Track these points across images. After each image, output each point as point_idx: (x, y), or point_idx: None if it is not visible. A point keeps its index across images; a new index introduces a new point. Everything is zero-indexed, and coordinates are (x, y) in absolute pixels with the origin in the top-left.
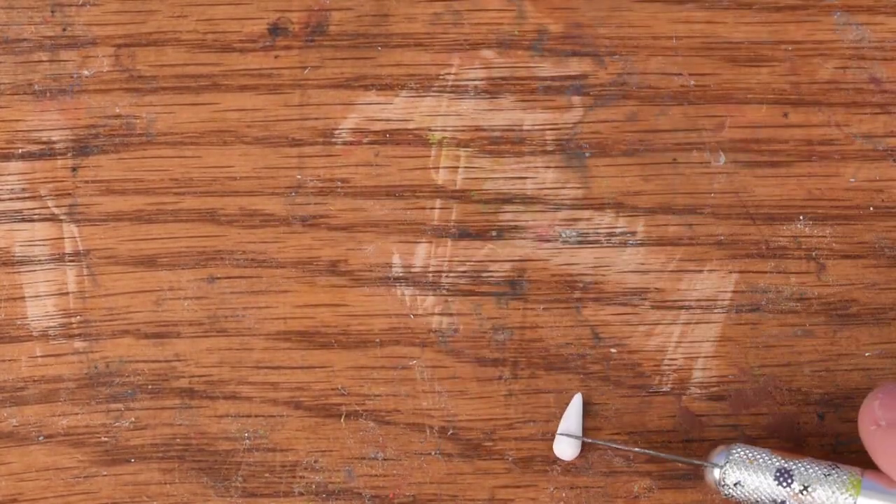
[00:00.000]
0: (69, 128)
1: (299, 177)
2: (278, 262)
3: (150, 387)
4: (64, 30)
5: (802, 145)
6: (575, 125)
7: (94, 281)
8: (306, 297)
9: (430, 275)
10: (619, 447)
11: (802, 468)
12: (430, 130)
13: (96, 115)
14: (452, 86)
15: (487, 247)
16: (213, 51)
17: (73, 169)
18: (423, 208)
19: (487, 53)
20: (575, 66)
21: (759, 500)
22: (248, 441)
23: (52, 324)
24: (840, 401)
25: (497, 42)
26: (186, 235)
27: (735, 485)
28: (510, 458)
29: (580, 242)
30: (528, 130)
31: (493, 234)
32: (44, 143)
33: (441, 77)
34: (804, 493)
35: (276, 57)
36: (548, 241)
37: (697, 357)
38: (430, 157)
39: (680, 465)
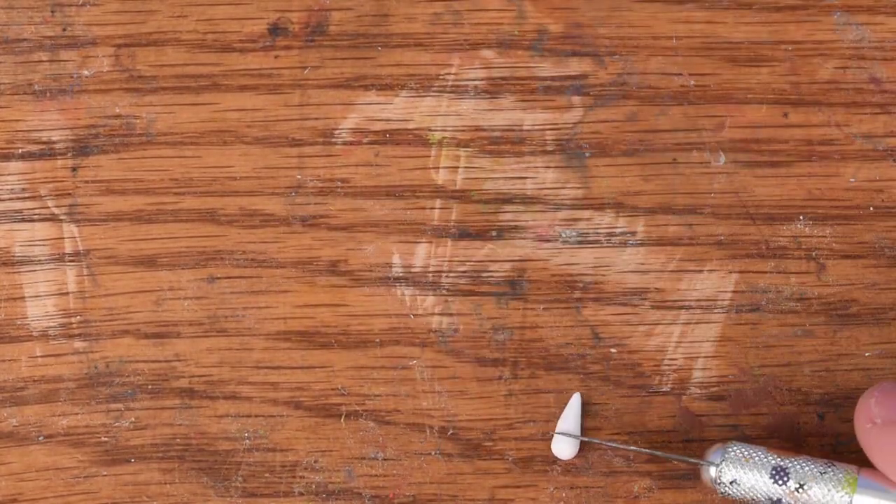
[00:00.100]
0: (69, 128)
1: (299, 177)
2: (278, 262)
3: (150, 387)
4: (64, 30)
5: (802, 145)
6: (575, 125)
7: (94, 281)
8: (306, 297)
9: (430, 275)
10: (615, 445)
11: (798, 466)
12: (430, 130)
13: (96, 115)
14: (452, 86)
15: (487, 247)
16: (213, 51)
17: (73, 169)
18: (423, 208)
19: (487, 53)
20: (575, 66)
21: (755, 498)
22: (248, 441)
23: (52, 324)
24: (840, 401)
25: (497, 42)
26: (186, 235)
27: (731, 483)
28: (510, 458)
29: (580, 242)
30: (528, 130)
31: (493, 234)
32: (44, 143)
33: (441, 77)
34: (800, 490)
35: (276, 57)
36: (548, 241)
37: (697, 357)
38: (430, 157)
39: (680, 465)
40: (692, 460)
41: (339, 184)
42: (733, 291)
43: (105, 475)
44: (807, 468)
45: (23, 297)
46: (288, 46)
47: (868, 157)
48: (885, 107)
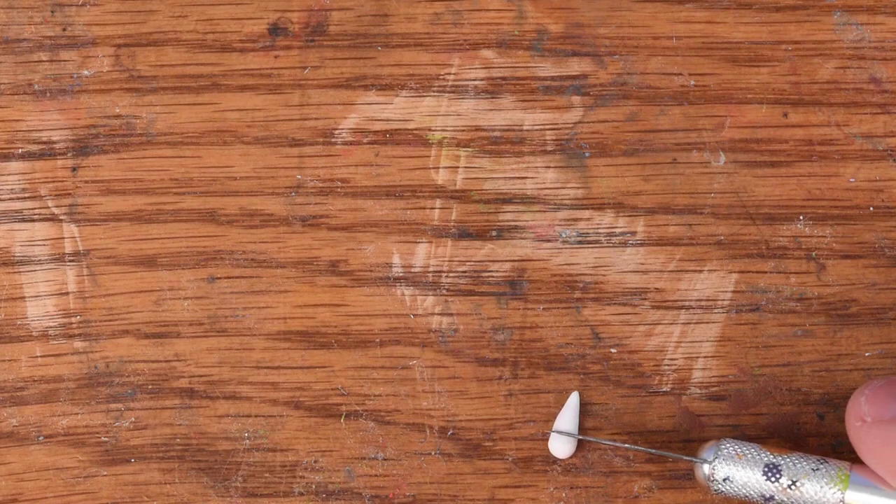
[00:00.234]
0: (69, 128)
1: (299, 177)
2: (278, 262)
3: (150, 387)
4: (64, 30)
5: (802, 145)
6: (575, 125)
7: (94, 281)
8: (306, 297)
9: (430, 275)
10: (608, 443)
11: (791, 463)
12: (430, 130)
13: (96, 115)
14: (452, 86)
15: (487, 247)
16: (213, 51)
17: (73, 169)
18: (423, 208)
19: (487, 53)
20: (575, 66)
21: (748, 495)
22: (248, 441)
23: (52, 324)
24: (840, 401)
25: (497, 42)
26: (186, 235)
27: (724, 480)
28: (510, 458)
29: (580, 242)
30: (528, 130)
31: (493, 234)
32: (44, 143)
33: (441, 77)
34: (792, 487)
35: (276, 57)
36: (548, 241)
37: (697, 357)
38: (430, 157)
39: (680, 464)
40: (685, 458)
41: (339, 184)
42: (733, 291)
43: (105, 475)
44: (799, 465)
45: (23, 297)
46: (288, 46)
47: (868, 157)
48: (885, 107)
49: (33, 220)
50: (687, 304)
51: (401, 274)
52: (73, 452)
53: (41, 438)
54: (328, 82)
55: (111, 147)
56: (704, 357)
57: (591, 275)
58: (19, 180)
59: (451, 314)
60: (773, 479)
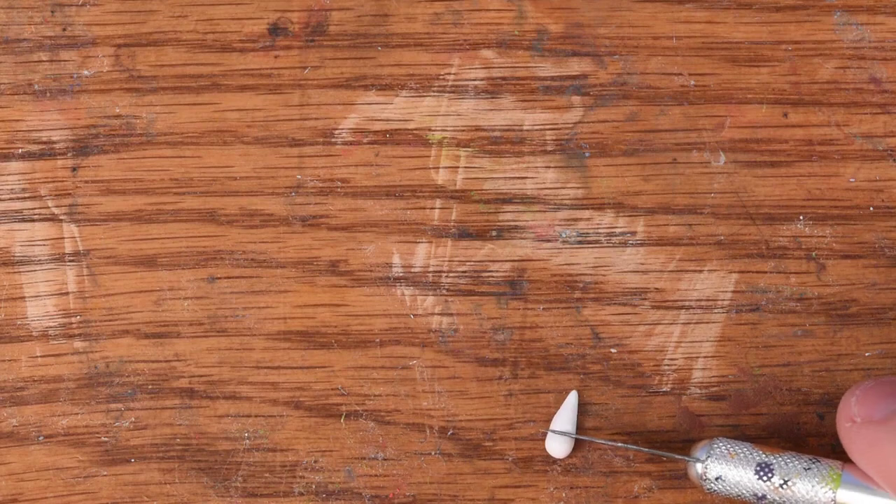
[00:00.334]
0: (69, 128)
1: (299, 177)
2: (278, 262)
3: (150, 387)
4: (64, 30)
5: (802, 145)
6: (575, 125)
7: (94, 281)
8: (306, 297)
9: (430, 275)
10: (603, 442)
11: (783, 462)
12: (430, 130)
13: (96, 115)
14: (452, 86)
15: (487, 247)
16: (213, 51)
17: (73, 169)
18: (423, 208)
19: (487, 53)
20: (575, 66)
21: (740, 494)
22: (248, 441)
23: (52, 324)
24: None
25: (497, 42)
26: (186, 235)
27: (717, 479)
28: (510, 458)
29: (580, 242)
30: (528, 130)
31: (493, 234)
32: (44, 143)
33: (441, 77)
34: (784, 486)
35: (276, 57)
36: (548, 241)
37: (697, 357)
38: (430, 157)
39: (680, 464)
40: (678, 457)
41: (339, 184)
42: (733, 291)
43: (105, 475)
44: (791, 464)
45: (23, 297)
46: (288, 46)
47: (868, 157)
48: (885, 107)
49: (33, 220)
50: (687, 304)
51: (401, 274)
52: (73, 452)
53: (41, 438)
54: (328, 82)
55: (111, 147)
56: (704, 357)
57: (591, 275)
58: (19, 180)
59: (451, 314)
60: (765, 478)
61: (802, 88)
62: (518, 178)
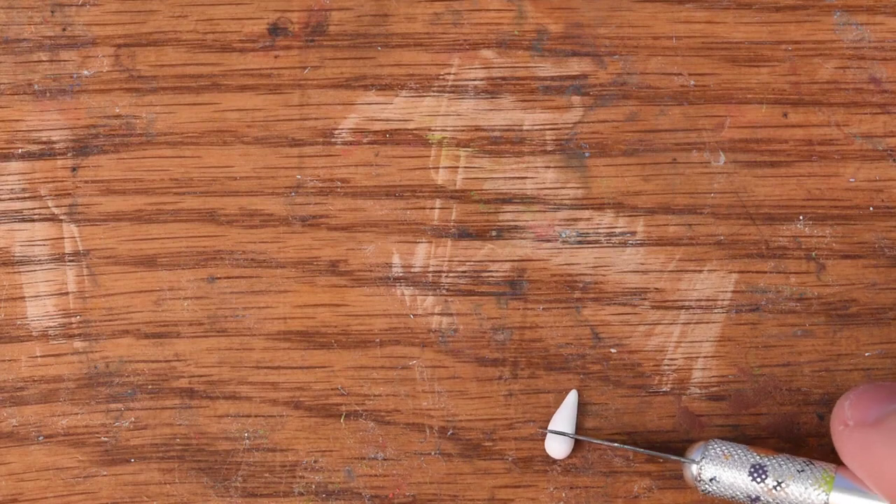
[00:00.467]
0: (69, 128)
1: (299, 177)
2: (278, 262)
3: (150, 387)
4: (64, 30)
5: (802, 145)
6: (575, 125)
7: (94, 281)
8: (306, 297)
9: (430, 275)
10: (600, 442)
11: (777, 464)
12: (430, 130)
13: (96, 115)
14: (452, 86)
15: (487, 247)
16: (213, 51)
17: (73, 169)
18: (423, 208)
19: (487, 53)
20: (575, 66)
21: (734, 495)
22: (248, 441)
23: (52, 324)
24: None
25: (497, 42)
26: (186, 235)
27: (711, 480)
28: (510, 458)
29: (580, 242)
30: (528, 130)
31: (493, 234)
32: (44, 143)
33: (441, 77)
34: (778, 488)
35: (276, 57)
36: (548, 241)
37: (697, 357)
38: (430, 157)
39: (680, 465)
40: (673, 458)
41: (339, 184)
42: (733, 291)
43: (105, 475)
44: (785, 466)
45: (23, 297)
46: (288, 46)
47: (868, 157)
48: (885, 107)
49: (33, 220)
50: (687, 304)
51: (401, 274)
52: (73, 452)
53: (41, 438)
54: (328, 82)
55: (111, 147)
56: (704, 357)
57: (590, 275)
58: (19, 180)
59: (451, 314)
60: (758, 479)
61: (802, 88)
62: (518, 178)
